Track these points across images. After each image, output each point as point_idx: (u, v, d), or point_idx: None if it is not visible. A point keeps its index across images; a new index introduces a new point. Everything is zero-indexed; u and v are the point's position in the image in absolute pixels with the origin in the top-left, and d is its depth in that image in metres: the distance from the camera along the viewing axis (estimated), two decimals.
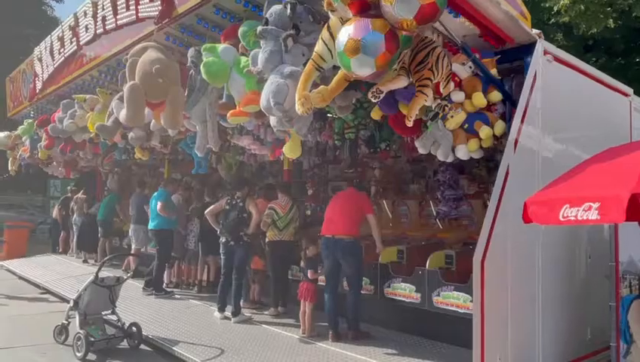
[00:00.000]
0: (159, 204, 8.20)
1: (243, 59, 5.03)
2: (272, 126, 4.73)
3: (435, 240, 6.49)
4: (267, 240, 6.79)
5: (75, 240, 12.19)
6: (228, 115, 5.22)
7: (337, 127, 6.44)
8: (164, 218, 8.22)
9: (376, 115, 5.21)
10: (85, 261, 11.46)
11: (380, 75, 3.59)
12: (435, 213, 6.71)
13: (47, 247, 14.30)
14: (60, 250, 13.18)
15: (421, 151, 4.87)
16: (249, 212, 6.57)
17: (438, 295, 5.16)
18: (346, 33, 3.40)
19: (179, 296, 8.06)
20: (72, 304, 5.67)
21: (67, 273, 10.14)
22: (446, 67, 4.10)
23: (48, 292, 9.18)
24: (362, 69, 3.43)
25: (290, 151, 5.28)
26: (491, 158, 6.32)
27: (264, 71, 4.41)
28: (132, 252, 9.48)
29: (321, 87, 3.93)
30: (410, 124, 4.14)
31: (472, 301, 4.86)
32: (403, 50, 3.77)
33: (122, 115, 5.73)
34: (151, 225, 8.40)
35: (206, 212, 6.93)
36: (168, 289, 8.26)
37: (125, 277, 6.02)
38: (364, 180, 9.32)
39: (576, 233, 5.02)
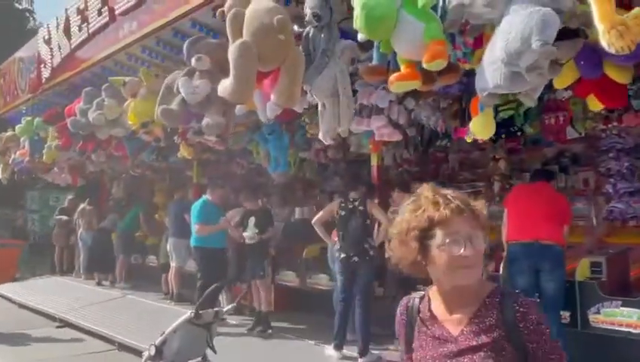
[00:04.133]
0: (196, 226, 6.56)
1: None
2: (493, 87, 3.23)
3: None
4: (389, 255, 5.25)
5: (82, 259, 10.27)
6: (392, 78, 3.70)
7: None
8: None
9: (562, 82, 3.78)
10: (99, 283, 9.62)
11: None
12: (607, 212, 5.30)
13: (34, 268, 12.42)
14: (58, 270, 11.32)
15: None
16: (371, 217, 5.03)
17: None
18: None
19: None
20: (152, 352, 3.97)
21: (86, 299, 8.29)
22: None
23: (67, 325, 7.41)
24: None
25: (481, 127, 3.79)
26: None
27: None
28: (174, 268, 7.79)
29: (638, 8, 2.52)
30: None
31: None
32: None
33: (224, 87, 4.13)
34: (192, 239, 6.82)
35: (313, 221, 5.31)
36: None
37: (225, 310, 4.41)
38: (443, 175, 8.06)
39: None
